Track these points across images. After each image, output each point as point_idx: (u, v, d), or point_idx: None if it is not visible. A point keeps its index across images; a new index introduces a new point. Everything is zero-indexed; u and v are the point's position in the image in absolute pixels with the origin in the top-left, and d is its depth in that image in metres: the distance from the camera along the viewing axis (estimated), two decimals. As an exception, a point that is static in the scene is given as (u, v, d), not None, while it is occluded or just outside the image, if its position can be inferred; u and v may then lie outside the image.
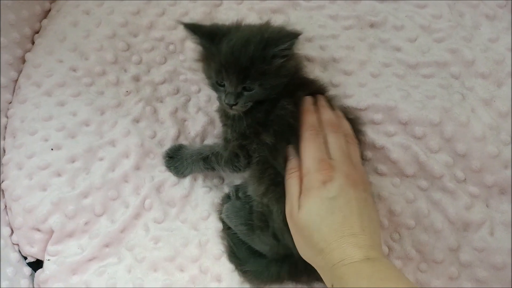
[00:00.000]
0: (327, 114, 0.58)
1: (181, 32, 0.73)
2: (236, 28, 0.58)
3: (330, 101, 0.62)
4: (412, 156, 0.63)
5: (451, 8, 0.69)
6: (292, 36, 0.54)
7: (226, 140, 0.62)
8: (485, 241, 0.60)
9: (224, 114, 0.62)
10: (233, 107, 0.56)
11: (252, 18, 0.72)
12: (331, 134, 0.55)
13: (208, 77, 0.58)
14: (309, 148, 0.54)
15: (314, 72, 0.68)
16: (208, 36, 0.56)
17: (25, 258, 0.65)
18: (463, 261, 0.61)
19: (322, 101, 0.60)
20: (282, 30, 0.57)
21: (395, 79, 0.67)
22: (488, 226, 0.61)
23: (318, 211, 0.49)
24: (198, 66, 0.63)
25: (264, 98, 0.57)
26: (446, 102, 0.64)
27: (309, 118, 0.56)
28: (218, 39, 0.55)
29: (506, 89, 0.64)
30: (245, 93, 0.56)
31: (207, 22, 0.72)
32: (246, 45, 0.53)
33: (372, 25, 0.70)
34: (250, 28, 0.58)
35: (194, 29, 0.56)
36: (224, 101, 0.56)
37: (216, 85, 0.57)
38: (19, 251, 0.65)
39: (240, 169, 0.62)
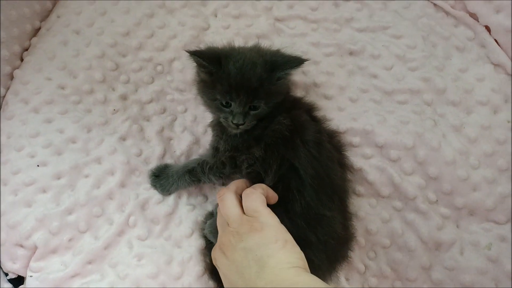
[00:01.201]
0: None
1: (169, 53, 0.76)
2: (236, 50, 0.60)
3: (320, 122, 0.64)
4: (388, 178, 0.66)
5: (425, 39, 0.73)
6: (299, 62, 0.59)
7: (215, 149, 0.63)
8: (455, 261, 0.63)
9: (219, 128, 0.64)
10: (240, 126, 0.58)
11: (238, 42, 0.75)
12: None
13: (212, 99, 0.59)
14: None
15: (296, 95, 0.72)
16: (216, 61, 0.58)
17: (6, 274, 0.65)
18: (435, 280, 0.64)
19: None
20: (285, 55, 0.61)
21: (372, 105, 0.71)
22: (458, 246, 0.64)
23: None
24: (196, 89, 0.65)
25: (264, 116, 0.60)
26: (419, 128, 0.68)
27: None
28: (224, 62, 0.58)
29: (475, 116, 0.68)
30: (251, 112, 0.59)
31: (194, 45, 0.76)
32: (253, 67, 0.57)
33: (351, 53, 0.74)
34: (250, 50, 0.61)
35: (201, 55, 0.58)
36: (232, 121, 0.58)
37: (221, 107, 0.59)
38: (0, 267, 0.65)
39: (224, 175, 0.64)
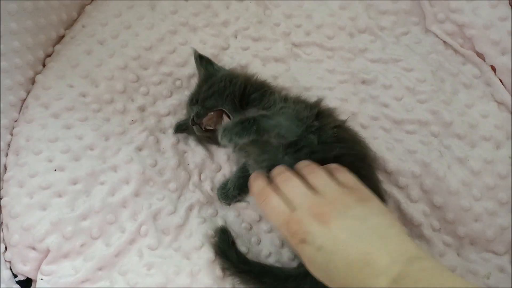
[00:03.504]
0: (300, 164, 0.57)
1: (189, 69, 0.79)
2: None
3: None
4: (395, 203, 0.69)
5: (434, 74, 0.77)
6: None
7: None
8: (455, 287, 0.66)
9: None
10: None
11: (256, 64, 0.79)
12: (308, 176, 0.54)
13: None
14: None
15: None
16: None
17: (15, 276, 0.65)
18: (435, 305, 0.66)
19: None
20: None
21: (382, 132, 0.74)
22: (458, 273, 0.66)
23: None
24: None
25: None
26: (426, 157, 0.71)
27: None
28: None
29: (479, 150, 0.71)
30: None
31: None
32: None
33: (364, 82, 0.78)
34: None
35: None
36: None
37: None
38: (10, 269, 0.65)
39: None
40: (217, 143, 0.68)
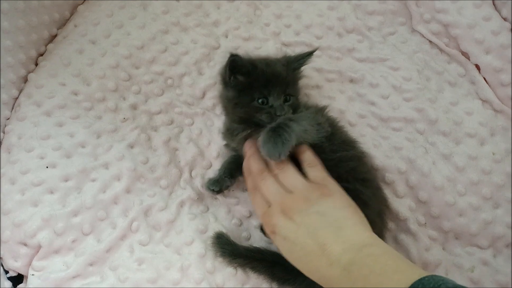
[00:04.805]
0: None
1: (180, 68, 0.80)
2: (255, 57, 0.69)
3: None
4: (381, 199, 0.70)
5: (419, 73, 0.79)
6: (309, 53, 0.69)
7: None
8: (440, 281, 0.67)
9: None
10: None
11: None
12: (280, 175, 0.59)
13: (249, 101, 0.64)
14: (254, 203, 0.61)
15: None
16: (252, 62, 0.65)
17: (6, 272, 0.66)
18: (421, 298, 0.67)
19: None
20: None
21: (369, 130, 0.76)
22: (443, 267, 0.68)
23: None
24: (225, 102, 0.70)
25: None
26: (411, 154, 0.72)
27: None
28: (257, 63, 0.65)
29: (463, 147, 0.73)
30: (286, 103, 0.65)
31: (205, 62, 0.80)
32: (277, 63, 0.67)
33: (351, 81, 0.80)
34: (266, 56, 0.71)
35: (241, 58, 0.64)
36: (276, 113, 0.62)
37: (259, 105, 0.63)
38: (1, 265, 0.66)
39: None
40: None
